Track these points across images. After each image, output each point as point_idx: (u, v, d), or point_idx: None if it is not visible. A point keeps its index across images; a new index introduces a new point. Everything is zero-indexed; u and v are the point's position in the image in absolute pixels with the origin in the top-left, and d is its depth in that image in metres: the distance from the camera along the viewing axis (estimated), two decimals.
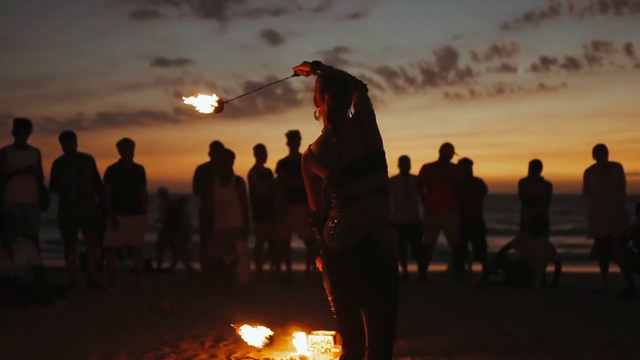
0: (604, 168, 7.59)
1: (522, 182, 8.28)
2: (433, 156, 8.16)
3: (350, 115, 2.74)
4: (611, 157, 7.68)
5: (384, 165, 2.68)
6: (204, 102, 2.95)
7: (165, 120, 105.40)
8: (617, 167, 7.61)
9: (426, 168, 8.09)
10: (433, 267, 8.71)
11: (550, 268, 7.89)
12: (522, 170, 8.11)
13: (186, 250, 9.91)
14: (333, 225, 2.64)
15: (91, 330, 4.91)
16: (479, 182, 8.25)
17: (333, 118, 2.69)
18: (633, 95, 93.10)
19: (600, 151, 7.62)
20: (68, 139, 6.88)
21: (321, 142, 2.71)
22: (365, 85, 2.79)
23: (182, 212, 10.23)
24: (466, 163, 8.24)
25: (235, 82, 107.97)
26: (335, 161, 2.65)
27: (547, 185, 8.29)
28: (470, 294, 7.17)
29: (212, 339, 4.64)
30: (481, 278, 7.88)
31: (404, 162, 8.22)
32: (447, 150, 8.02)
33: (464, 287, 7.71)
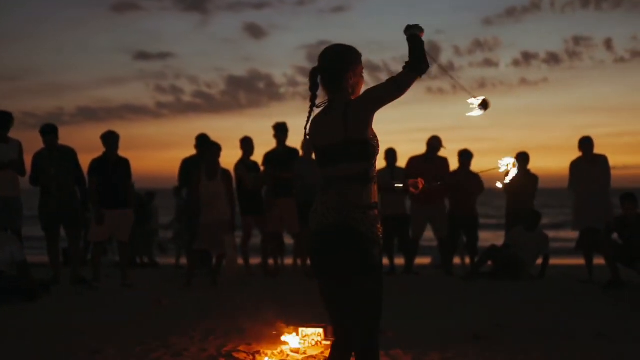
0: (589, 160, 7.63)
1: None
2: (416, 150, 8.22)
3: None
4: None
5: (364, 155, 2.51)
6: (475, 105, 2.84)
7: (147, 115, 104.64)
8: (603, 159, 7.66)
9: (413, 161, 8.08)
10: (417, 260, 8.73)
11: (538, 260, 7.96)
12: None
13: (152, 244, 9.87)
14: (315, 205, 2.58)
15: (79, 325, 4.84)
16: (475, 176, 8.24)
17: (328, 95, 2.61)
18: (612, 90, 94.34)
19: (586, 143, 7.67)
20: (49, 132, 6.77)
21: (315, 117, 2.62)
22: (415, 69, 2.52)
23: (149, 207, 10.18)
24: (465, 155, 8.21)
25: (217, 76, 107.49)
26: (317, 140, 2.60)
27: (533, 178, 8.32)
28: (458, 286, 7.20)
29: (201, 333, 4.60)
30: (470, 270, 7.92)
31: (391, 154, 8.21)
32: (434, 143, 8.02)
33: (451, 280, 7.75)
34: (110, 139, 6.89)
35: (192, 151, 7.65)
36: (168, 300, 5.89)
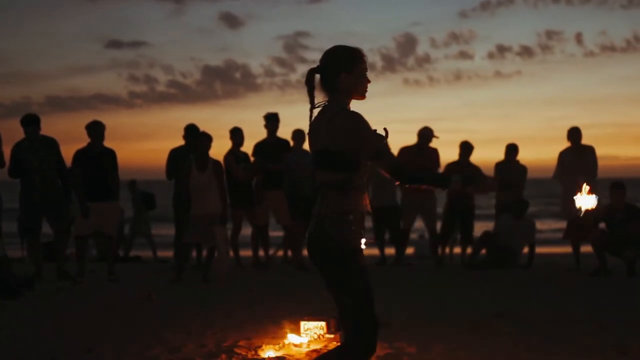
0: (577, 150, 7.70)
1: (499, 166, 8.33)
2: (392, 142, 8.22)
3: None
4: (562, 142, 7.86)
5: (345, 165, 2.49)
6: None
7: (119, 105, 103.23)
8: (590, 149, 7.74)
9: (404, 151, 8.03)
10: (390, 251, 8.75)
11: (525, 249, 8.03)
12: (480, 155, 8.23)
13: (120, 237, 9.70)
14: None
15: (67, 323, 4.67)
16: (475, 168, 8.24)
17: (325, 96, 2.57)
18: (583, 83, 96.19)
19: (574, 134, 7.73)
20: (32, 124, 6.53)
21: (314, 119, 2.58)
22: (398, 175, 2.52)
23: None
24: (465, 146, 8.19)
25: (192, 66, 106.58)
26: (309, 144, 2.61)
27: (522, 168, 8.36)
28: (448, 276, 7.23)
29: (197, 328, 4.46)
30: (468, 260, 7.94)
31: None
32: (426, 133, 7.98)
33: (442, 270, 7.77)
34: (96, 129, 6.67)
35: (164, 142, 7.53)
36: (157, 295, 5.73)
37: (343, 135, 2.46)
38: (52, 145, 6.64)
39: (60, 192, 6.67)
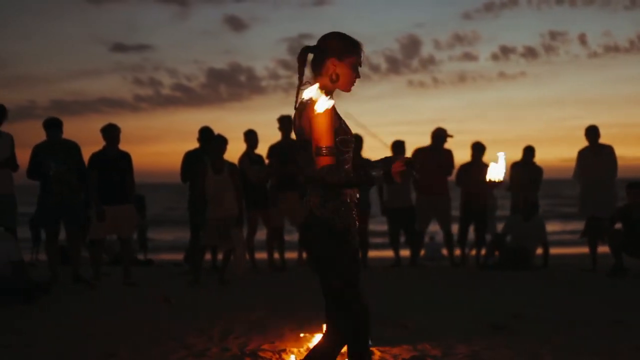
0: (595, 150, 7.64)
1: (515, 167, 8.31)
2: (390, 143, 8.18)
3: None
4: (566, 143, 7.84)
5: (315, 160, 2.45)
6: None
7: (124, 108, 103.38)
8: (609, 148, 7.67)
9: (418, 152, 8.01)
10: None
11: (539, 250, 8.03)
12: (484, 157, 8.21)
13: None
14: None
15: (86, 327, 4.63)
16: (484, 167, 8.21)
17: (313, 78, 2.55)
18: (587, 84, 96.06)
19: (591, 133, 7.66)
20: (53, 127, 6.52)
21: (298, 105, 2.55)
22: (327, 177, 2.40)
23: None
24: (478, 147, 8.16)
25: (197, 69, 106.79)
26: (294, 130, 2.59)
27: (538, 170, 8.34)
28: (464, 277, 7.20)
29: (219, 332, 4.43)
30: (483, 261, 7.91)
31: (398, 146, 8.12)
32: (440, 134, 7.95)
33: (458, 271, 7.75)
34: (111, 132, 6.65)
35: (170, 145, 7.49)
36: (176, 298, 5.71)
37: (310, 123, 2.43)
38: (72, 148, 6.62)
39: (78, 196, 6.65)
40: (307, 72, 2.55)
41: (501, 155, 2.92)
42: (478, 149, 8.16)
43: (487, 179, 2.91)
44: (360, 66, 2.55)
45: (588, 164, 7.61)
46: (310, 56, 2.53)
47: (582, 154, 7.73)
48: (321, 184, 2.44)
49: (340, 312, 2.52)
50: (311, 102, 2.43)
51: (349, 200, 2.53)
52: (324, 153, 2.39)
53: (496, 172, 2.91)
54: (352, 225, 2.55)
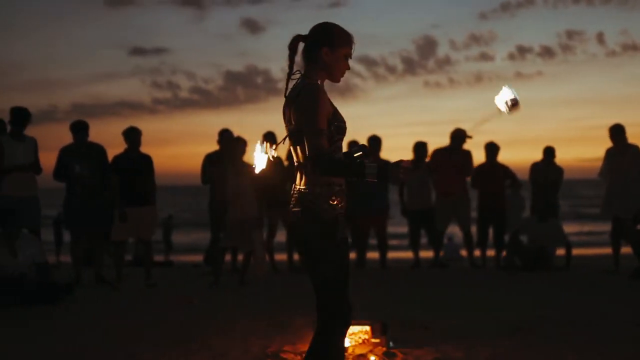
0: (620, 149, 7.53)
1: (535, 167, 8.25)
2: (411, 144, 8.13)
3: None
4: (584, 143, 7.74)
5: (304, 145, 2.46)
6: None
7: (143, 111, 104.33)
8: (634, 149, 7.55)
9: (437, 153, 7.98)
10: (426, 254, 8.69)
11: (561, 251, 7.93)
12: (500, 157, 8.18)
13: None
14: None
15: (108, 328, 4.68)
16: (504, 168, 8.16)
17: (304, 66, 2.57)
18: (605, 83, 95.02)
19: (616, 132, 7.54)
20: (80, 130, 6.61)
21: (290, 91, 2.57)
22: (318, 163, 2.40)
23: None
24: (491, 147, 8.11)
25: (214, 71, 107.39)
26: (284, 119, 2.59)
27: (559, 170, 8.27)
28: (484, 279, 7.15)
29: (240, 333, 4.45)
30: (505, 262, 7.86)
31: (420, 147, 8.11)
32: (459, 134, 7.91)
33: (478, 272, 7.71)
34: (133, 135, 6.72)
35: (187, 147, 7.57)
36: (197, 299, 5.74)
37: (301, 110, 2.44)
38: (98, 151, 6.71)
39: (103, 199, 6.71)
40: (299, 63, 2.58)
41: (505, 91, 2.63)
42: (491, 149, 8.09)
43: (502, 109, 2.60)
44: (351, 58, 2.58)
45: (613, 164, 7.51)
46: (301, 46, 2.56)
47: (609, 152, 7.61)
48: (312, 169, 2.43)
49: (323, 304, 2.51)
50: (307, 87, 2.45)
51: (339, 189, 2.51)
52: (316, 136, 2.40)
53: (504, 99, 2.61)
54: (342, 215, 2.54)
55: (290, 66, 2.54)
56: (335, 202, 2.50)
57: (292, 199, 2.55)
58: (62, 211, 6.81)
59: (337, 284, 2.51)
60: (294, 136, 2.51)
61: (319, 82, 2.54)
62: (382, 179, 2.40)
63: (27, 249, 5.86)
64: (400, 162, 2.40)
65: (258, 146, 2.65)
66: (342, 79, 2.61)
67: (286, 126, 2.57)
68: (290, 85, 2.57)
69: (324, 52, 2.51)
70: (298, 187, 2.53)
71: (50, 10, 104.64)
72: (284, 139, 2.59)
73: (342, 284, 2.52)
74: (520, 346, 4.01)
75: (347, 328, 2.60)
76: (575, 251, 8.44)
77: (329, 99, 2.51)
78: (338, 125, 2.49)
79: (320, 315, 2.54)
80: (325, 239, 2.49)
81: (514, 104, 2.57)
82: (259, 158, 2.65)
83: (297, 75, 2.56)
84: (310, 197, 2.48)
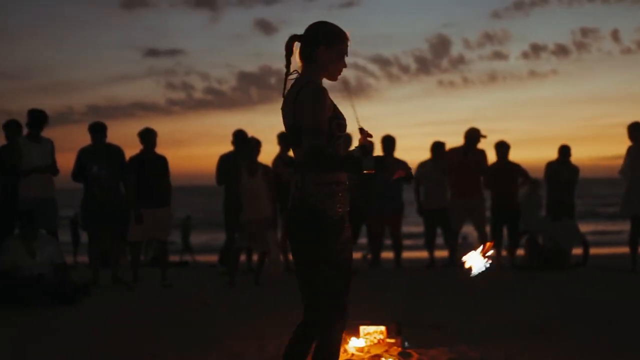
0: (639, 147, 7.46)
1: (550, 166, 8.20)
2: (427, 144, 8.15)
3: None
4: (600, 141, 7.68)
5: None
6: None
7: (157, 112, 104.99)
8: None
9: (452, 153, 7.96)
10: (438, 254, 8.65)
11: (578, 250, 7.91)
12: (515, 156, 8.15)
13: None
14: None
15: (127, 328, 4.72)
16: (516, 167, 8.13)
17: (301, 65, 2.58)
18: (620, 81, 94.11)
19: (635, 130, 7.46)
20: (98, 131, 6.67)
21: (288, 90, 2.58)
22: (312, 160, 2.41)
23: None
24: (502, 147, 8.09)
25: (228, 72, 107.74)
26: (283, 118, 2.59)
27: (574, 169, 8.22)
28: (499, 278, 7.10)
29: (256, 333, 4.47)
30: (525, 262, 7.84)
31: (437, 148, 8.08)
32: (473, 134, 7.88)
33: (491, 272, 7.65)
34: (148, 136, 6.77)
35: (202, 148, 7.59)
36: (212, 299, 5.77)
37: (302, 108, 2.45)
38: (116, 153, 6.77)
39: (120, 200, 6.77)
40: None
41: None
42: (502, 148, 8.05)
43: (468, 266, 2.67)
44: (347, 55, 2.59)
45: (633, 162, 7.43)
46: (297, 46, 2.58)
47: (630, 150, 7.52)
48: (311, 166, 2.43)
49: (313, 304, 2.53)
50: (308, 86, 2.46)
51: (339, 188, 2.51)
52: (314, 135, 2.40)
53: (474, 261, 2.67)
54: (345, 214, 2.54)
55: (287, 66, 2.57)
56: (336, 202, 2.50)
57: (292, 198, 2.56)
58: (78, 212, 6.86)
59: (335, 284, 2.51)
60: (293, 135, 2.52)
61: (317, 80, 2.56)
62: (380, 170, 2.42)
63: (45, 249, 5.93)
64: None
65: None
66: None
67: (285, 123, 2.59)
68: (288, 85, 2.59)
69: (321, 50, 2.53)
70: (298, 186, 2.54)
71: (65, 13, 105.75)
72: (284, 139, 2.62)
73: (341, 285, 2.52)
74: (536, 346, 3.99)
75: (345, 323, 2.60)
76: (592, 250, 8.41)
77: (330, 97, 2.53)
78: (338, 122, 2.51)
79: (313, 315, 2.55)
80: (329, 237, 2.50)
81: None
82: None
83: (295, 75, 2.58)
84: (311, 197, 2.49)
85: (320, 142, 2.40)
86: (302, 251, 2.54)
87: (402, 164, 2.57)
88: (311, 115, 2.41)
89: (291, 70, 2.58)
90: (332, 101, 2.54)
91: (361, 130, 2.56)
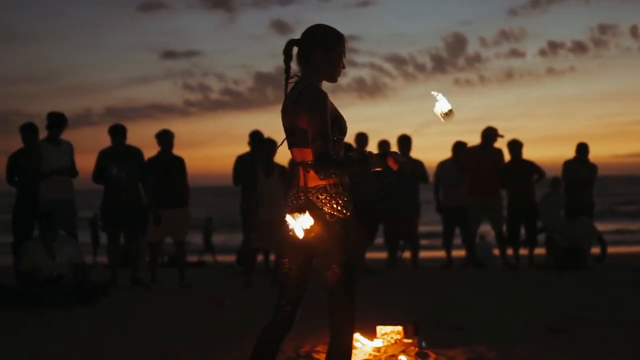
0: None
1: (569, 164, 8.14)
2: (443, 143, 8.16)
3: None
4: (619, 139, 7.62)
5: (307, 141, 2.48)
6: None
7: (175, 113, 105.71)
8: None
9: (468, 151, 7.94)
10: (455, 253, 8.60)
11: (596, 249, 7.88)
12: (532, 154, 8.08)
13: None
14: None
15: (145, 328, 4.76)
16: (530, 164, 8.09)
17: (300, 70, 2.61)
18: (639, 77, 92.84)
19: None
20: (118, 133, 6.74)
21: (288, 93, 2.61)
22: (321, 164, 2.42)
23: None
24: (515, 145, 8.04)
25: (244, 73, 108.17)
26: (282, 119, 2.62)
27: (592, 167, 8.16)
28: (517, 278, 7.09)
29: None
30: (544, 261, 7.81)
31: (459, 147, 8.06)
32: (490, 133, 7.85)
33: (509, 271, 7.64)
34: (166, 138, 6.83)
35: (219, 149, 7.62)
36: (230, 300, 5.80)
37: (304, 112, 2.47)
38: (135, 154, 6.83)
39: (139, 201, 6.82)
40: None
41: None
42: (514, 146, 8.00)
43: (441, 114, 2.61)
44: (345, 57, 2.61)
45: None
46: (295, 50, 2.60)
47: None
48: (320, 170, 2.44)
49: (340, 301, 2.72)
50: (308, 89, 2.49)
51: (342, 189, 2.54)
52: (322, 140, 2.42)
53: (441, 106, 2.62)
54: (349, 215, 2.56)
55: (287, 70, 2.59)
56: (339, 203, 2.52)
57: (293, 199, 2.57)
58: (98, 213, 6.94)
59: (351, 278, 2.66)
60: (291, 136, 2.55)
61: (317, 84, 2.58)
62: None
63: (65, 250, 6.00)
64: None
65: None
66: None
67: (285, 126, 2.60)
68: (289, 88, 2.61)
69: (320, 54, 2.55)
70: (299, 187, 2.55)
71: (84, 17, 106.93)
72: (282, 142, 2.62)
73: (354, 279, 2.65)
74: (555, 347, 3.96)
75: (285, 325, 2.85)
76: (610, 249, 8.36)
77: (330, 100, 2.55)
78: (339, 125, 2.53)
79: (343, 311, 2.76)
80: (336, 237, 2.54)
81: (448, 114, 2.60)
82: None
83: (294, 79, 2.60)
84: (320, 197, 2.51)
85: (327, 149, 2.43)
86: (313, 250, 2.62)
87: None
88: (316, 121, 2.44)
89: (291, 74, 2.60)
90: (332, 104, 2.56)
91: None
